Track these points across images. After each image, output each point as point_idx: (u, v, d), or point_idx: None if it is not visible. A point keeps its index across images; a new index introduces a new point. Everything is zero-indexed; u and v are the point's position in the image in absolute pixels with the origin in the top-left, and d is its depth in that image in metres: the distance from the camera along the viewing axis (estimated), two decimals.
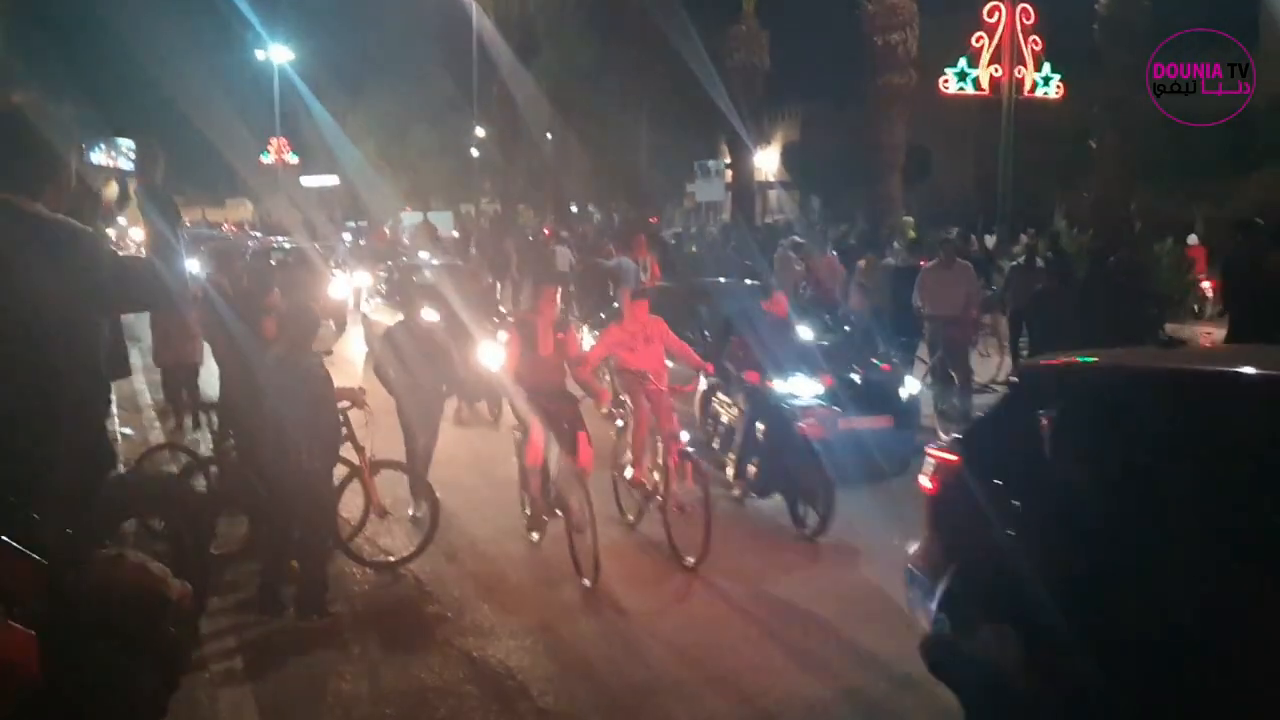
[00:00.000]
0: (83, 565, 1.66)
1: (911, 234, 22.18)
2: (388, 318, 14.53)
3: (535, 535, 8.17)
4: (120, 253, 3.68)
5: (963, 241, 19.69)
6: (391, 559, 7.80)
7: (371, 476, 7.83)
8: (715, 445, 9.98)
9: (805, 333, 10.86)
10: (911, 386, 10.95)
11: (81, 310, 3.01)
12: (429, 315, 12.21)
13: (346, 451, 7.58)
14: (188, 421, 11.77)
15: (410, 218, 49.38)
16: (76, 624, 1.58)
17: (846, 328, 13.38)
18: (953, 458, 5.34)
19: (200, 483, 8.29)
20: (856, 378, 10.46)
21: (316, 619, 6.64)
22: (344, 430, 7.77)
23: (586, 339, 12.96)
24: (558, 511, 7.79)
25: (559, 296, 10.62)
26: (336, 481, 7.80)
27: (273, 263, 21.30)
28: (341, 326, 19.71)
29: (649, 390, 8.36)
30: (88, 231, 3.14)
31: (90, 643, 1.56)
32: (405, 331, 9.08)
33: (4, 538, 1.90)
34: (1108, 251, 14.46)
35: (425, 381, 8.83)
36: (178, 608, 1.65)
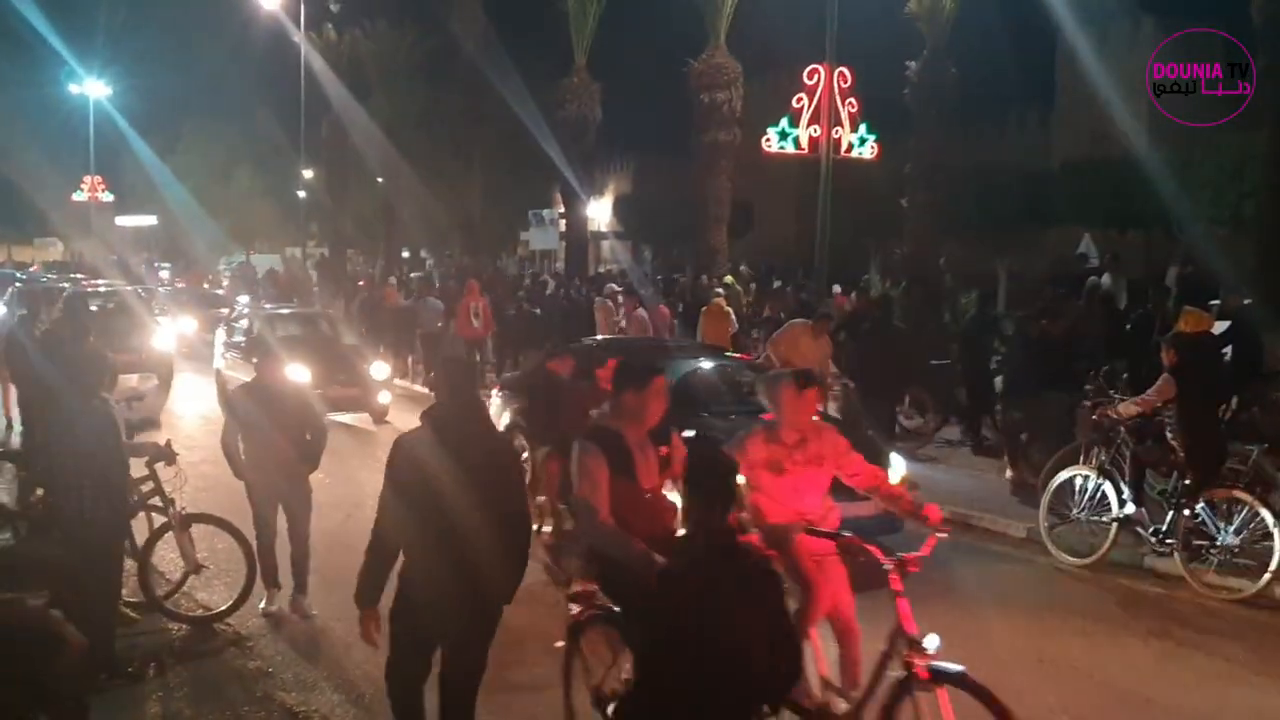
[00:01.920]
0: None
1: (730, 279, 22.78)
2: (248, 375, 13.48)
3: None
4: None
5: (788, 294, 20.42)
6: (208, 613, 7.61)
7: (184, 530, 7.64)
8: None
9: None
10: (898, 465, 9.08)
11: None
12: (296, 373, 11.23)
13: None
14: None
15: (259, 259, 48.06)
16: None
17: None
18: None
19: (7, 537, 7.95)
20: None
21: (105, 679, 6.18)
22: (151, 484, 7.61)
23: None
24: None
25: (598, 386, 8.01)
26: (144, 536, 7.62)
27: (92, 308, 20.10)
28: (168, 383, 16.96)
29: (821, 556, 5.45)
30: None
31: None
32: (259, 394, 7.66)
33: None
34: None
35: (283, 455, 7.52)
36: (76, 657, 1.66)
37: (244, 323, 18.32)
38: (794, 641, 3.90)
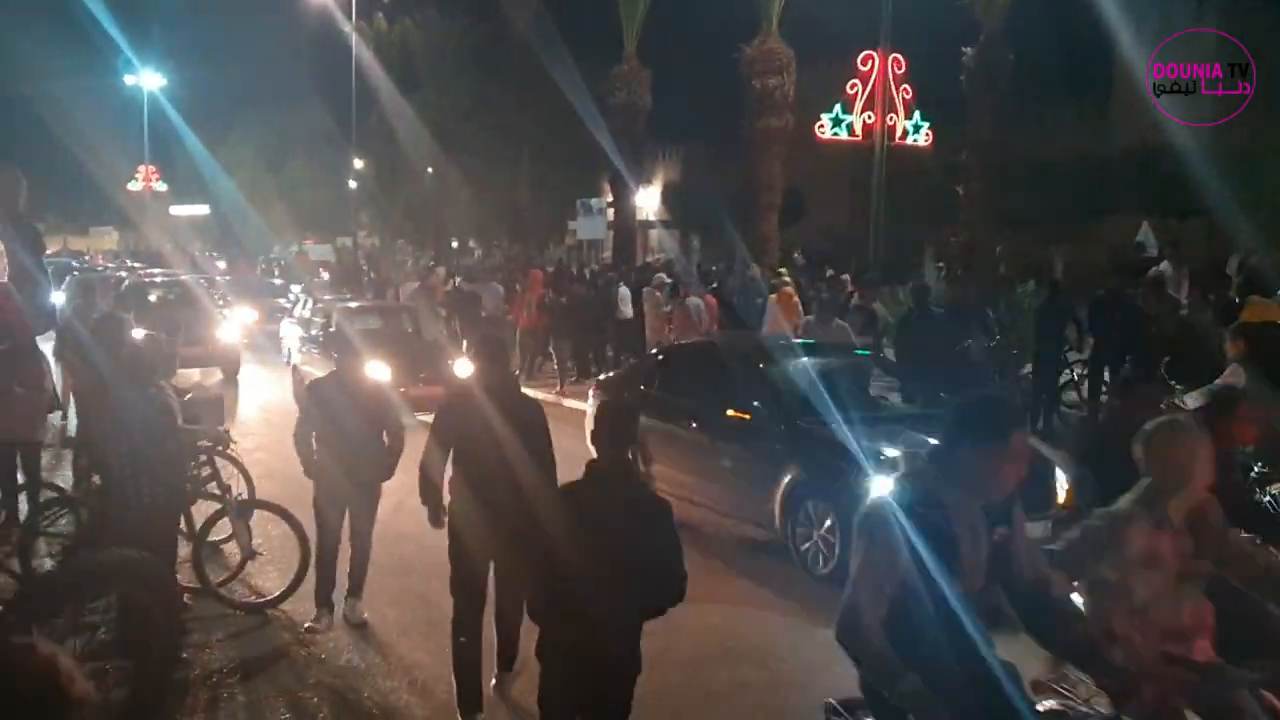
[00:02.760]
0: None
1: (784, 270, 22.54)
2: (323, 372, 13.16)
3: None
4: None
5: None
6: (262, 600, 7.60)
7: (240, 517, 7.65)
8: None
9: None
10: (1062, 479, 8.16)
11: None
12: (376, 371, 11.04)
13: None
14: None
15: (316, 250, 48.39)
16: None
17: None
18: None
19: (70, 522, 8.02)
20: None
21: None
22: (207, 470, 7.65)
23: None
24: None
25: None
26: (201, 521, 7.64)
27: (151, 298, 19.45)
28: (233, 377, 16.76)
29: None
30: None
31: None
32: (336, 390, 7.18)
33: None
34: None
35: (357, 458, 7.07)
36: (78, 708, 1.59)
37: (321, 317, 17.32)
38: (677, 558, 4.35)
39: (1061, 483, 8.10)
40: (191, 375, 14.43)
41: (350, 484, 7.08)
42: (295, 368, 16.95)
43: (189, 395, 8.68)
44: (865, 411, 8.91)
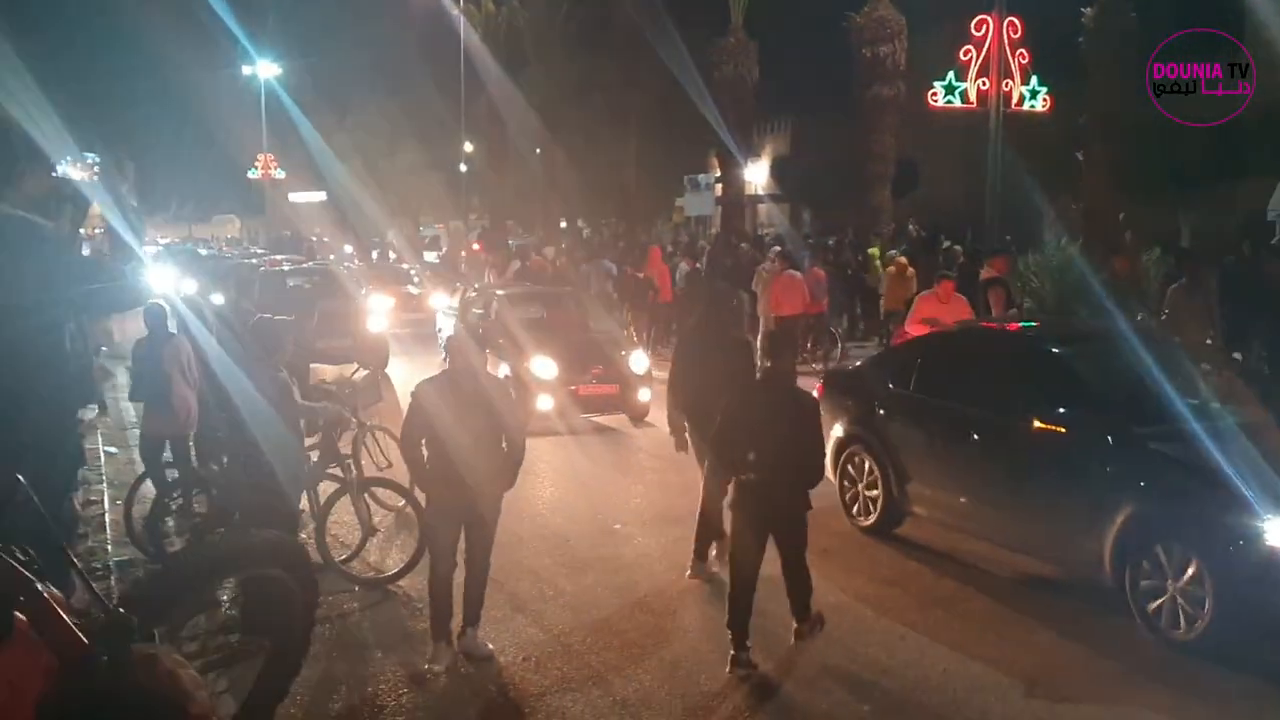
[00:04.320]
0: (121, 658, 1.59)
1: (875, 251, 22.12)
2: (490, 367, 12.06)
3: None
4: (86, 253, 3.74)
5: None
6: (381, 576, 7.72)
7: (361, 495, 7.81)
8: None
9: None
10: None
11: (47, 300, 3.07)
12: (542, 367, 11.21)
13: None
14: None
15: (427, 233, 48.90)
16: (99, 712, 1.53)
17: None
18: None
19: (201, 504, 8.32)
20: None
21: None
22: (333, 448, 7.83)
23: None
24: None
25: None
26: (324, 498, 7.80)
27: (289, 284, 18.21)
28: (380, 373, 13.93)
29: None
30: (48, 226, 3.21)
31: None
32: (450, 388, 6.29)
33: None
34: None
35: (478, 463, 6.19)
36: None
37: (480, 306, 15.40)
38: (821, 451, 6.66)
39: None
40: (322, 371, 13.04)
41: (467, 497, 6.20)
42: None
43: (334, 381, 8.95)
44: (1223, 419, 6.88)
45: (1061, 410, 7.14)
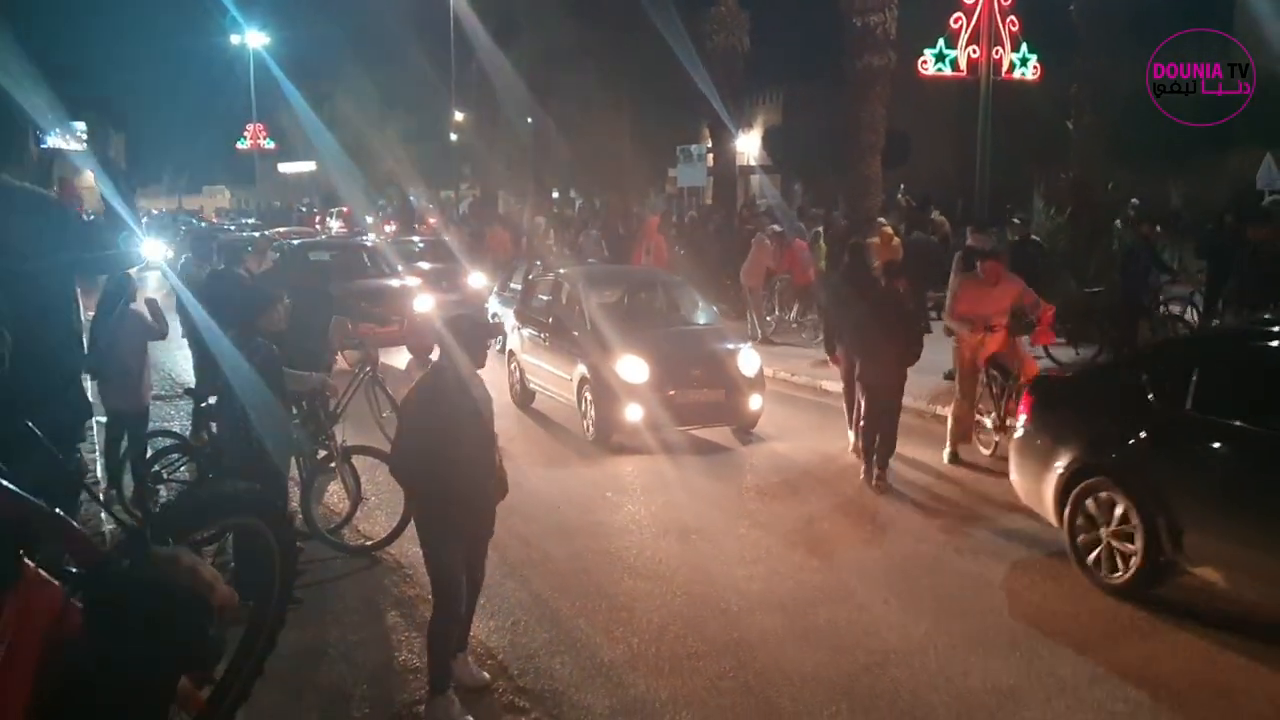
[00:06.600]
0: (139, 558, 1.65)
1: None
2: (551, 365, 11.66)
3: None
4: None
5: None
6: (368, 543, 7.78)
7: (345, 462, 7.86)
8: None
9: None
10: None
11: (53, 268, 3.18)
12: (631, 369, 10.23)
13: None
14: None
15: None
16: (118, 611, 1.58)
17: None
18: None
19: (189, 469, 8.35)
20: None
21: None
22: (319, 418, 7.88)
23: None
24: None
25: None
26: (310, 468, 7.87)
27: (312, 257, 16.43)
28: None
29: None
30: (53, 197, 3.31)
31: (127, 632, 1.55)
32: (456, 388, 5.38)
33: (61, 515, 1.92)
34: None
35: (486, 472, 5.52)
36: (220, 613, 1.64)
37: (546, 292, 12.92)
38: (920, 337, 9.70)
39: None
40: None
41: (475, 512, 5.46)
42: (513, 354, 13.02)
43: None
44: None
45: None
